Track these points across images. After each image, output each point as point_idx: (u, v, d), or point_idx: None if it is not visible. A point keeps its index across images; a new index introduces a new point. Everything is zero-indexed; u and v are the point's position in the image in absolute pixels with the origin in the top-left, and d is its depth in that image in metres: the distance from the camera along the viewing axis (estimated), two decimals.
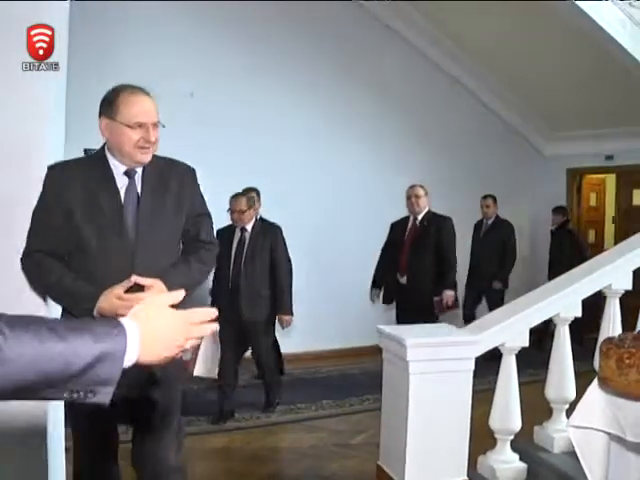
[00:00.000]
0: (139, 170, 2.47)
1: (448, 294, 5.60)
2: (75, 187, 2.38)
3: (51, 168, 2.43)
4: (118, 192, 2.43)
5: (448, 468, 3.44)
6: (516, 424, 3.59)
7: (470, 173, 8.36)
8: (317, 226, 7.37)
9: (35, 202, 2.41)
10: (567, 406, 3.87)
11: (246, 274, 5.23)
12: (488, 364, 3.74)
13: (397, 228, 5.99)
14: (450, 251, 5.68)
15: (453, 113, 8.39)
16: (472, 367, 3.41)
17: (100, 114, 2.41)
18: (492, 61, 8.05)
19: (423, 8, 7.58)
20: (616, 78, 7.08)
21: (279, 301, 5.31)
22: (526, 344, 3.55)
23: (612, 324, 3.85)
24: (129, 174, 2.46)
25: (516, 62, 7.76)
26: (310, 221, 7.19)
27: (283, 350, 6.30)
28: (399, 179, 6.90)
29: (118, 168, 2.45)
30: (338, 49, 7.57)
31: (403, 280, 5.72)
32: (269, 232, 5.34)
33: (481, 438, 3.70)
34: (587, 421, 1.75)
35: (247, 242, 5.28)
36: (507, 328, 3.52)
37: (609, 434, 1.76)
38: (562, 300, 3.67)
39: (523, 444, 3.81)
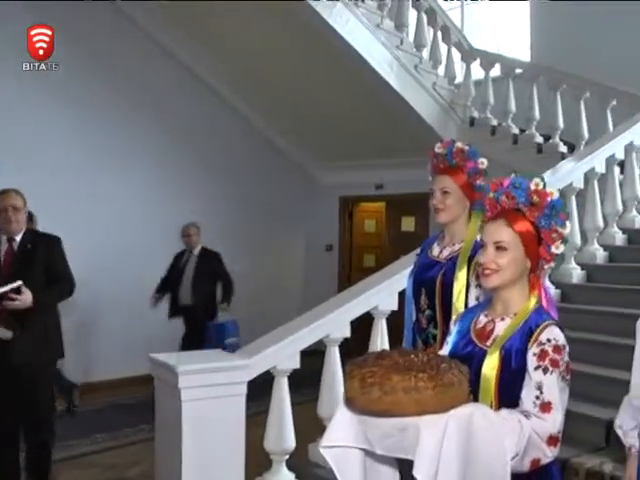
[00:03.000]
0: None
1: None
2: None
3: None
4: None
5: None
6: (290, 444, 3.65)
7: (249, 200, 8.52)
8: (94, 256, 7.07)
9: None
10: None
11: None
12: (266, 385, 3.78)
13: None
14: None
15: (229, 140, 8.50)
16: (244, 391, 3.42)
17: None
18: (272, 94, 8.27)
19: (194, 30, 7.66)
20: (385, 113, 7.56)
21: None
22: (297, 366, 3.63)
23: (380, 344, 4.05)
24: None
25: (293, 96, 8.04)
26: (87, 251, 6.86)
27: None
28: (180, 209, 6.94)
29: None
30: (118, 74, 7.40)
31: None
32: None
33: (258, 460, 3.73)
34: (339, 439, 1.81)
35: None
36: (278, 351, 3.57)
37: (362, 449, 1.83)
38: (332, 321, 3.80)
39: (299, 462, 3.87)
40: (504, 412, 1.83)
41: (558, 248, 1.96)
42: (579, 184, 5.53)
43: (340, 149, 8.76)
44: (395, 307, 4.05)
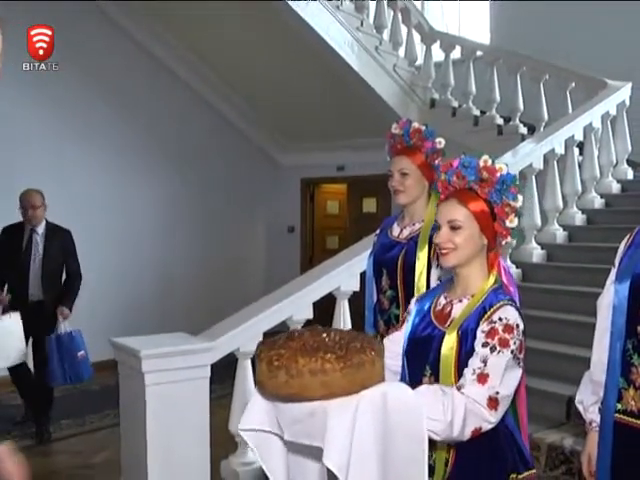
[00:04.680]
0: None
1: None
2: None
3: None
4: None
5: (191, 477, 3.42)
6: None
7: (209, 183, 8.47)
8: None
9: None
10: None
11: None
12: (229, 368, 3.77)
13: None
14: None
15: (188, 123, 8.41)
16: (208, 374, 3.42)
17: None
18: (231, 74, 8.21)
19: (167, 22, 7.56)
20: (346, 95, 7.55)
21: None
22: None
23: (343, 324, 4.08)
24: None
25: (253, 77, 7.98)
26: None
27: None
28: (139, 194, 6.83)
29: None
30: (84, 60, 7.26)
31: None
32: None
33: (224, 443, 3.75)
34: (256, 422, 1.74)
35: None
36: (241, 333, 3.58)
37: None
38: (294, 303, 3.81)
39: None
40: (423, 387, 1.80)
41: (512, 222, 1.96)
42: (539, 165, 5.60)
43: (301, 131, 8.74)
44: (357, 288, 4.08)
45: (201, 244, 8.36)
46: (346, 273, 4.04)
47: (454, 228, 1.96)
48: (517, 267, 5.48)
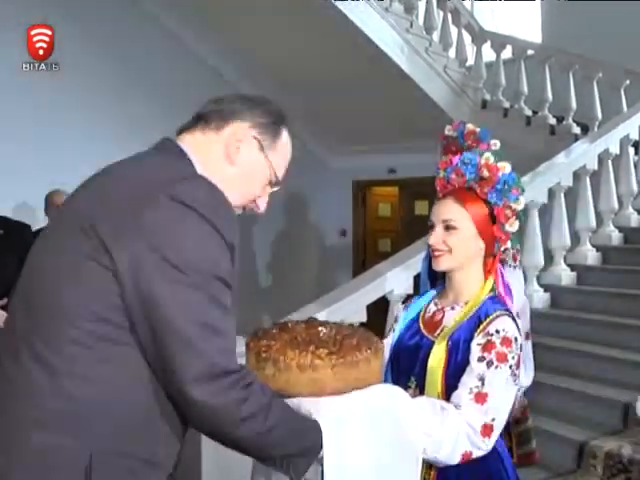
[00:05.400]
0: None
1: None
2: None
3: None
4: None
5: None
6: None
7: None
8: None
9: None
10: None
11: None
12: None
13: None
14: None
15: None
16: None
17: None
18: (281, 77, 8.26)
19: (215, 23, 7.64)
20: (397, 97, 7.54)
21: None
22: None
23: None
24: None
25: (303, 81, 8.02)
26: None
27: None
28: None
29: None
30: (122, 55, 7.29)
31: None
32: None
33: None
34: None
35: None
36: None
37: None
38: (347, 306, 3.82)
39: None
40: (423, 398, 1.70)
41: (512, 226, 1.84)
42: (593, 165, 5.52)
43: (352, 133, 8.74)
44: (411, 290, 4.06)
45: (253, 248, 8.42)
46: (400, 276, 4.04)
47: (449, 228, 1.84)
48: (572, 270, 5.42)
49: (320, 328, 1.61)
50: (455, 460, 1.63)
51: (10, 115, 6.02)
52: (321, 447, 1.41)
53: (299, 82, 8.14)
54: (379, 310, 4.20)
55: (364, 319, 3.90)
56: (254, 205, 1.62)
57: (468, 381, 1.70)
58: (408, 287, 4.08)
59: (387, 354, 1.91)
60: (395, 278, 4.04)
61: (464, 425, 1.63)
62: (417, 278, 4.03)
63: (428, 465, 1.73)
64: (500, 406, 1.69)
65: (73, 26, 6.39)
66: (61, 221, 1.44)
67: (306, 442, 1.40)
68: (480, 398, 1.67)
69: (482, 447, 1.66)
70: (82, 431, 1.27)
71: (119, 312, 1.27)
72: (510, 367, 1.70)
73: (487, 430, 1.65)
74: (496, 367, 1.69)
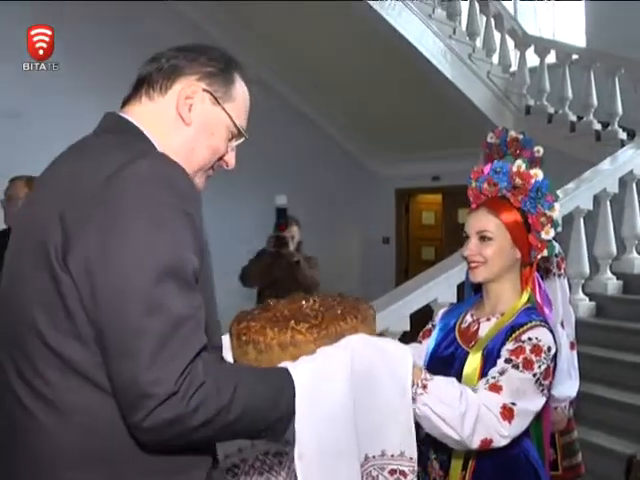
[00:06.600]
0: None
1: None
2: None
3: None
4: None
5: None
6: None
7: (305, 194, 8.57)
8: None
9: None
10: None
11: None
12: None
13: None
14: None
15: (287, 135, 8.52)
16: None
17: None
18: (325, 86, 8.30)
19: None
20: (440, 104, 7.53)
21: None
22: None
23: None
24: None
25: (347, 89, 8.06)
26: None
27: None
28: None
29: None
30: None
31: None
32: None
33: None
34: None
35: None
36: None
37: None
38: (391, 315, 3.84)
39: None
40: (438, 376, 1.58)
41: (548, 233, 1.80)
42: None
43: (395, 141, 8.74)
44: (454, 299, 4.07)
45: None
46: (443, 285, 4.05)
47: (484, 239, 1.83)
48: (618, 278, 5.35)
49: (303, 302, 1.50)
50: (474, 444, 1.54)
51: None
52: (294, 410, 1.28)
53: (343, 91, 8.17)
54: (423, 319, 4.18)
55: (407, 328, 3.92)
56: (222, 162, 1.49)
57: (489, 374, 1.68)
58: (452, 295, 4.09)
59: (422, 361, 1.91)
60: (438, 287, 4.05)
61: (482, 407, 1.56)
62: (460, 286, 4.05)
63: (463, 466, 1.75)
64: (519, 401, 1.61)
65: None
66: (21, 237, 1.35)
67: (278, 412, 1.26)
68: (494, 387, 1.62)
69: (502, 432, 1.56)
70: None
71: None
72: (534, 375, 1.65)
73: (507, 413, 1.58)
74: (520, 371, 1.65)
